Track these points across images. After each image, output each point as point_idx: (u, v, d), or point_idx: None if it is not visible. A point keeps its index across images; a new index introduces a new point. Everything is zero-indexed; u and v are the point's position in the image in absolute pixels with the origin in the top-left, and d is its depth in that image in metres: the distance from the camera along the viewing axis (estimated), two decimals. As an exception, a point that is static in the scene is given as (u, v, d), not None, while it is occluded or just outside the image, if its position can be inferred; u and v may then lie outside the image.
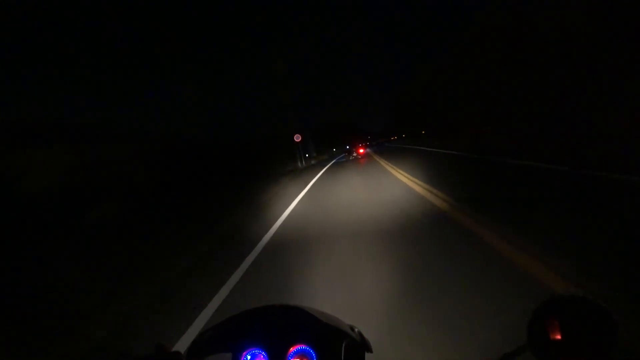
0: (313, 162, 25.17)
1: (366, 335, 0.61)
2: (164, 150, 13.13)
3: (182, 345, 1.95)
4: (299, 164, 20.83)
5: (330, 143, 53.75)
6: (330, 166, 17.57)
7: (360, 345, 0.56)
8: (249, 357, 0.53)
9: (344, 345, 0.52)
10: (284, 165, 20.97)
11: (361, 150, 22.75)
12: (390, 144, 53.66)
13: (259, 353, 0.52)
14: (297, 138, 19.85)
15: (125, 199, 8.52)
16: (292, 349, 0.51)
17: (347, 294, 2.19)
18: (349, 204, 5.54)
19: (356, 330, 0.59)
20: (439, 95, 26.64)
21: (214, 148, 18.58)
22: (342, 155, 30.48)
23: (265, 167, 18.43)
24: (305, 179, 11.83)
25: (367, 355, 0.58)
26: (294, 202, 6.74)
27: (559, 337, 0.48)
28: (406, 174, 7.55)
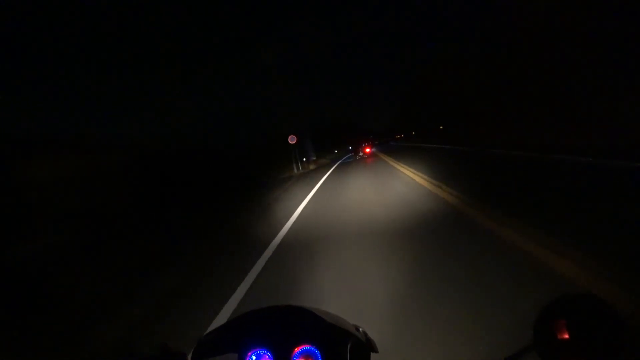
0: (312, 166, 22.29)
1: (371, 335, 0.61)
2: (141, 159, 11.14)
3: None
4: (295, 170, 18.97)
5: (332, 144, 49.59)
6: (332, 171, 14.73)
7: (366, 346, 0.57)
8: (254, 357, 0.54)
9: (349, 345, 0.52)
10: (279, 171, 18.84)
11: (367, 150, 23.00)
12: (397, 142, 51.47)
13: (264, 353, 0.53)
14: (292, 140, 17.58)
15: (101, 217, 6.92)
16: (297, 349, 0.52)
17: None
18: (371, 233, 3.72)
19: (361, 330, 0.60)
20: (464, 80, 25.22)
21: (201, 154, 15.78)
22: (347, 157, 28.60)
23: (254, 176, 15.86)
24: (297, 194, 8.63)
25: (373, 355, 0.58)
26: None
27: (566, 336, 0.48)
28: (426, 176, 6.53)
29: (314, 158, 25.79)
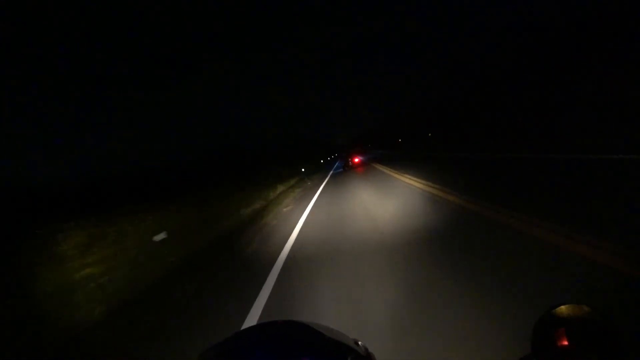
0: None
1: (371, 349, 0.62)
2: None
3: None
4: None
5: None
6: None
7: None
8: None
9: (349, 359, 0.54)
10: None
11: (356, 160, 22.34)
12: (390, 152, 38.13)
13: None
14: None
15: None
16: None
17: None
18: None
19: (361, 344, 0.61)
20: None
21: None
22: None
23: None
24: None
25: None
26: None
27: (565, 343, 0.50)
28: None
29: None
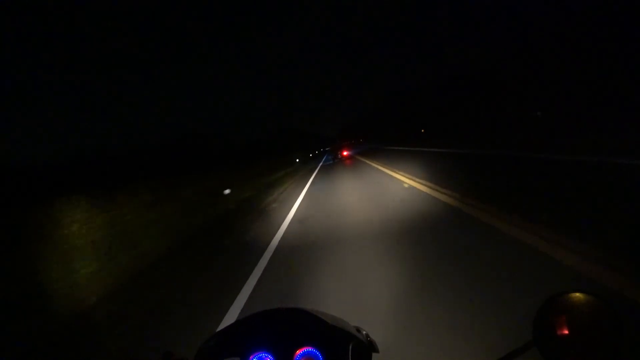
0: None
1: (373, 336, 0.64)
2: None
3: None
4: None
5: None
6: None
7: (367, 346, 0.60)
8: None
9: (350, 346, 0.56)
10: None
11: (345, 153, 22.70)
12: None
13: (266, 356, 0.57)
14: None
15: None
16: (298, 352, 0.56)
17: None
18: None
19: (363, 331, 0.63)
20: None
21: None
22: None
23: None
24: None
25: (374, 355, 0.61)
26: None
27: (566, 332, 0.50)
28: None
29: None
